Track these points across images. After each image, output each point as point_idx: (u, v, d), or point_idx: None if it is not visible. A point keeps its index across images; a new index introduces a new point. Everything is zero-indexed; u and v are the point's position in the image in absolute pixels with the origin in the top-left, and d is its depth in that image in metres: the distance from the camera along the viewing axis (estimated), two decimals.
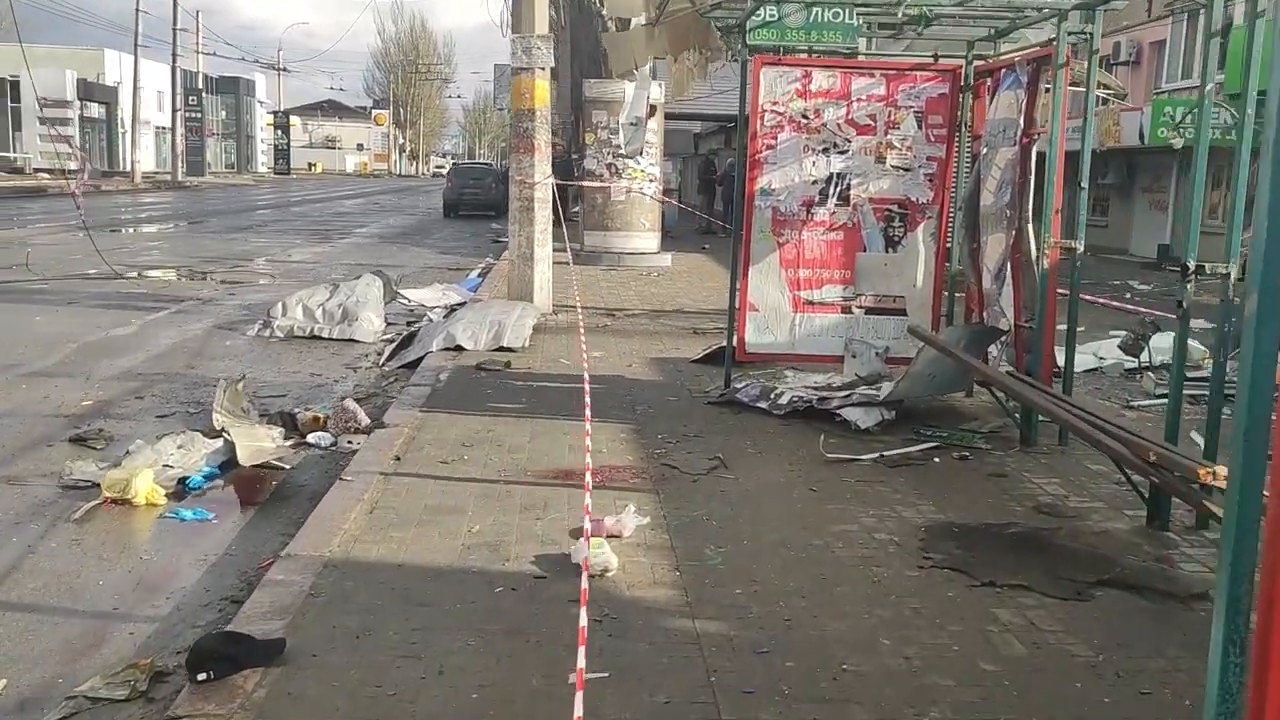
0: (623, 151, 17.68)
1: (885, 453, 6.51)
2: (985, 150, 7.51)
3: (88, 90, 56.18)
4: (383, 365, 9.76)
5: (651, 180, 18.21)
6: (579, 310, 10.80)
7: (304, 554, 4.65)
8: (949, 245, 8.29)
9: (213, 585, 4.76)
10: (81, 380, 8.71)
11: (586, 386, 6.53)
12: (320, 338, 11.00)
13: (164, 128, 58.51)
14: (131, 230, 25.25)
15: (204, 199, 42.26)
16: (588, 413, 6.01)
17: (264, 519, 5.68)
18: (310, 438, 7.11)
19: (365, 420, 7.15)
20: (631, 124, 17.37)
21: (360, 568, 4.53)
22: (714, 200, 26.75)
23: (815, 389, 7.82)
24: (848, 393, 7.43)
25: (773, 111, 7.99)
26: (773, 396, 7.64)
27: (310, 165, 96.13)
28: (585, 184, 18.25)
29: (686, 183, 32.24)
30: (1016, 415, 7.05)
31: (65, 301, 12.95)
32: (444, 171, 39.97)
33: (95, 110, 57.98)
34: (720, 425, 7.21)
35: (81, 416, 7.57)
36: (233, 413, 7.29)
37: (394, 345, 10.36)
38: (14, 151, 52.18)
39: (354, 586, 4.32)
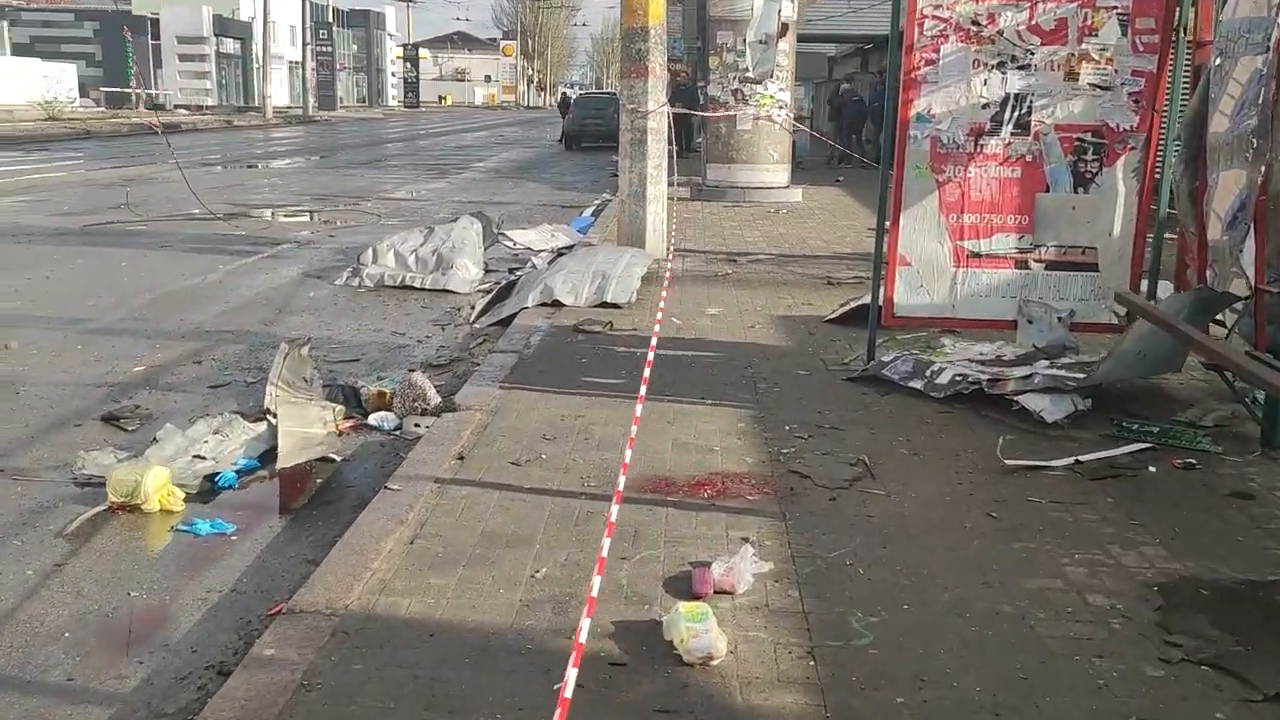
0: (750, 75, 16.07)
1: (1081, 458, 5.03)
2: (1217, 61, 5.80)
3: (223, 26, 56.79)
4: (473, 323, 8.63)
5: (782, 107, 16.56)
6: (681, 256, 9.45)
7: (313, 608, 3.52)
8: (1158, 183, 6.62)
9: (202, 643, 3.67)
10: (143, 339, 7.83)
11: (650, 359, 5.22)
12: (412, 288, 9.96)
13: (296, 63, 58.86)
14: (252, 166, 24.83)
15: (332, 133, 42.06)
16: (642, 390, 4.74)
17: (295, 533, 4.60)
18: (373, 418, 6.02)
19: (435, 399, 6.00)
20: (760, 43, 15.72)
21: (380, 635, 3.37)
22: (841, 131, 24.77)
23: (982, 364, 6.34)
24: (1027, 371, 5.92)
25: (934, 18, 6.42)
26: (929, 374, 6.20)
27: (440, 98, 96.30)
28: (708, 114, 16.72)
29: (818, 110, 30.20)
30: (1254, 407, 5.46)
31: (158, 245, 12.24)
32: (566, 101, 38.60)
33: (230, 46, 58.66)
34: (863, 412, 5.82)
35: (127, 386, 6.65)
36: (292, 384, 6.25)
37: (489, 298, 9.22)
38: (156, 88, 53.16)
39: (364, 673, 3.16)
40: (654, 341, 6.15)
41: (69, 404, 6.29)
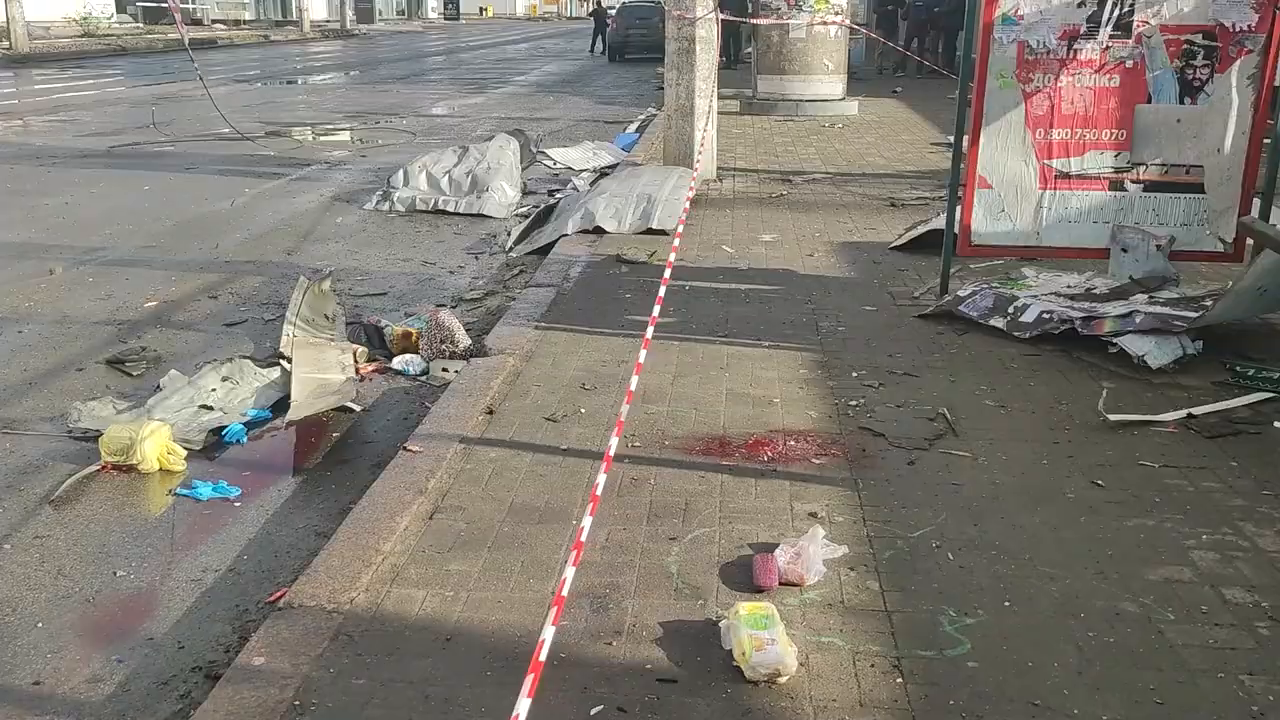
0: None
1: (1194, 410, 4.40)
2: None
3: None
4: (509, 251, 8.05)
5: (838, 13, 15.57)
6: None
7: (314, 602, 3.04)
8: (1277, 93, 5.84)
9: (192, 636, 3.21)
10: (159, 271, 7.36)
11: (661, 292, 4.63)
12: (445, 212, 9.38)
13: None
14: (288, 83, 24.18)
15: (369, 47, 41.14)
16: (648, 334, 4.15)
17: (306, 497, 4.12)
18: (397, 362, 5.51)
19: (464, 341, 5.46)
20: None
21: (388, 639, 2.88)
22: (894, 36, 23.48)
23: (1071, 299, 5.68)
24: (1125, 309, 5.25)
25: None
26: (1012, 311, 5.55)
27: (481, 10, 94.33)
28: (758, 21, 15.78)
29: (872, 17, 28.83)
30: None
31: (183, 167, 11.74)
32: (600, 12, 37.28)
33: None
34: (939, 355, 5.20)
35: (137, 324, 6.19)
36: (312, 322, 5.76)
37: (525, 224, 8.63)
38: (192, 2, 52.35)
39: (367, 690, 2.67)
40: (696, 273, 5.54)
41: (73, 344, 5.85)
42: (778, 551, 3.19)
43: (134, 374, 5.38)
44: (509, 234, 8.40)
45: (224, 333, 6.07)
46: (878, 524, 3.49)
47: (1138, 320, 5.07)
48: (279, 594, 3.26)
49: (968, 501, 3.66)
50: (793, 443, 4.13)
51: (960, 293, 5.88)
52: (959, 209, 6.09)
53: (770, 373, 4.92)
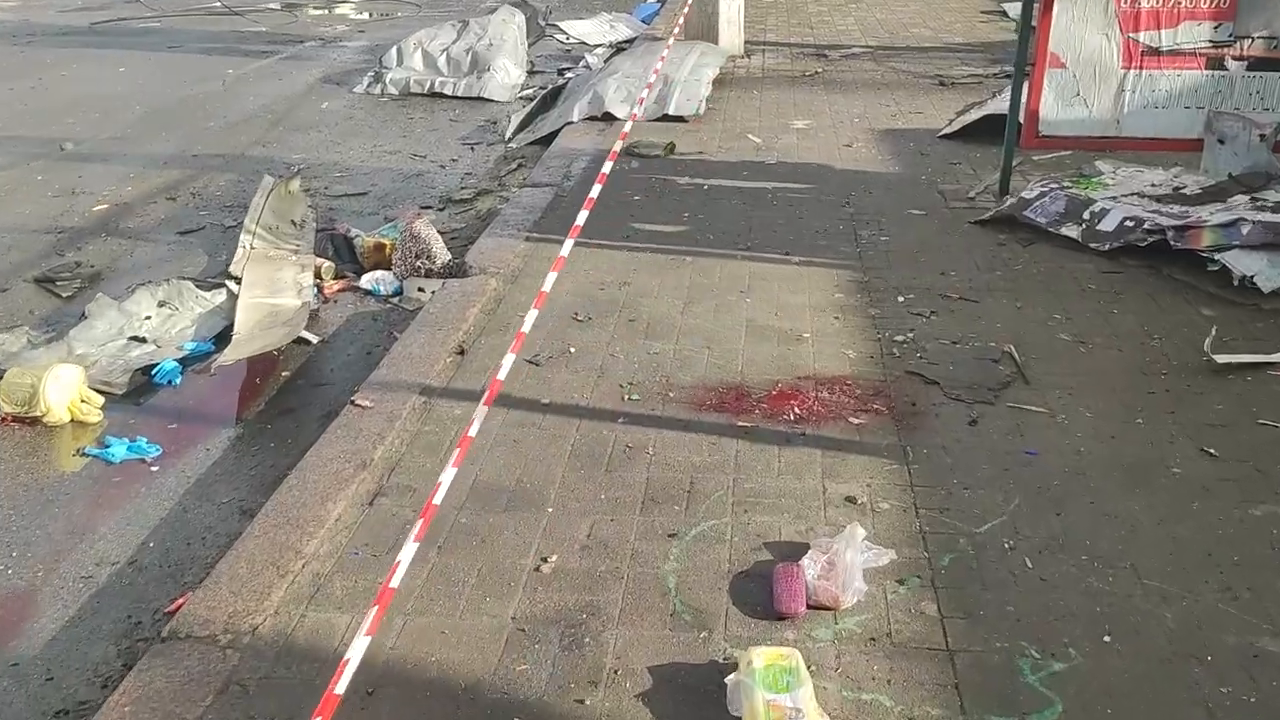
0: None
1: None
2: None
3: None
4: (508, 141, 7.19)
5: None
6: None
7: (205, 631, 2.36)
8: None
9: (65, 663, 2.56)
10: (118, 166, 6.58)
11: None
12: (443, 95, 8.49)
13: None
14: None
15: None
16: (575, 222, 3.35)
17: (237, 460, 3.42)
18: (366, 280, 4.76)
19: (442, 257, 4.69)
20: None
21: (291, 695, 2.20)
22: None
23: (1157, 200, 4.80)
24: (1228, 216, 4.38)
25: None
26: (1088, 216, 4.69)
27: None
28: None
29: None
30: None
31: (166, 45, 10.84)
32: None
33: None
34: (1001, 273, 4.38)
35: (80, 232, 5.46)
36: (275, 230, 5.01)
37: (528, 109, 7.73)
38: None
39: None
40: (720, 168, 4.71)
41: (5, 256, 5.13)
42: (806, 560, 2.47)
43: (64, 295, 4.67)
44: (509, 120, 7.52)
45: (177, 243, 5.33)
46: (933, 513, 2.75)
47: (1244, 231, 4.21)
48: (179, 601, 2.60)
49: (1046, 479, 2.90)
50: (826, 394, 3.37)
51: (1025, 194, 5.01)
52: (1025, 92, 5.17)
53: (799, 297, 4.13)
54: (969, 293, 4.16)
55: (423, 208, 5.84)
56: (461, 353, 3.68)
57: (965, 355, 3.64)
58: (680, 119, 6.93)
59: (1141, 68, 5.08)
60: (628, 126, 5.68)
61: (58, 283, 4.75)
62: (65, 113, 7.91)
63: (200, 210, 5.80)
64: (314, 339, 4.22)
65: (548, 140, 6.86)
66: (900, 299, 4.11)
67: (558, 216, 5.12)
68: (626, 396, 3.37)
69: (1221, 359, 3.51)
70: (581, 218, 3.86)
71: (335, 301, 4.65)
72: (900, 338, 3.77)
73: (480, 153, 7.03)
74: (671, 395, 3.38)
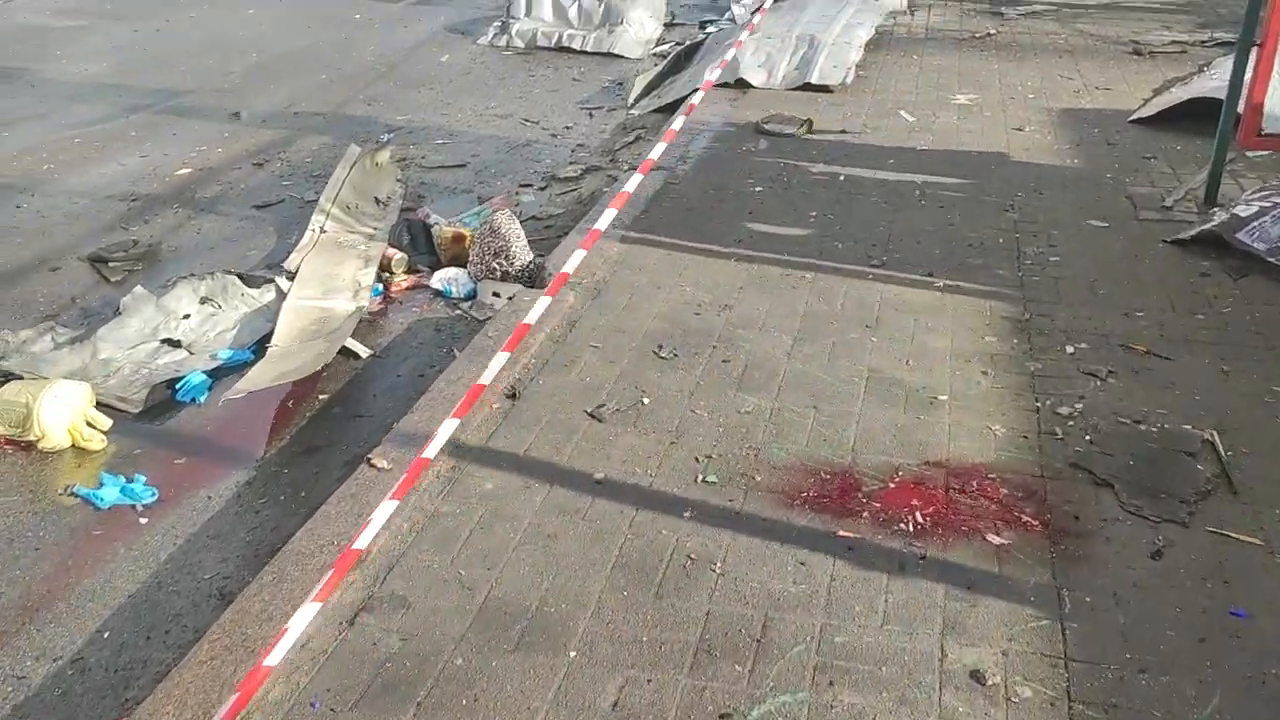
0: None
1: None
2: None
3: None
4: (630, 107, 6.48)
5: None
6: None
7: None
8: None
9: None
10: (213, 124, 6.18)
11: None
12: (570, 49, 7.81)
13: None
14: None
15: None
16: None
17: (238, 515, 2.88)
18: (437, 279, 4.18)
19: (521, 258, 4.05)
20: None
21: None
22: None
23: None
24: None
25: None
26: None
27: None
28: None
29: None
30: None
31: None
32: None
33: None
34: (1204, 316, 3.47)
35: (153, 202, 5.05)
36: (354, 209, 4.52)
37: (659, 67, 6.99)
38: None
39: None
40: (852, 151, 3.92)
41: (70, 226, 4.76)
42: None
43: (112, 279, 4.24)
44: (634, 83, 6.79)
45: (249, 219, 4.86)
46: (1095, 711, 1.98)
47: None
48: None
49: (1261, 661, 2.09)
50: (960, 492, 2.60)
51: (1238, 208, 4.03)
52: (1246, 76, 4.16)
53: (940, 339, 3.33)
54: (1160, 345, 3.28)
55: (521, 185, 5.24)
56: (513, 396, 3.04)
57: (1151, 442, 2.79)
58: (824, 88, 6.08)
59: None
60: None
61: (110, 263, 4.33)
62: (181, 60, 7.58)
63: (284, 180, 5.32)
64: (364, 353, 3.66)
65: (672, 108, 6.13)
66: (1069, 349, 3.27)
67: (664, 210, 4.41)
68: (701, 477, 2.67)
69: None
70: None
71: (401, 302, 4.09)
72: (1065, 409, 2.94)
73: (598, 120, 6.35)
74: (758, 479, 2.66)
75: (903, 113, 5.65)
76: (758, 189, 4.65)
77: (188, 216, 4.88)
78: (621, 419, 2.93)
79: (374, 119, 6.25)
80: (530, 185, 5.22)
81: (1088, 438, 2.81)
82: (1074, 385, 3.07)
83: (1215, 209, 4.17)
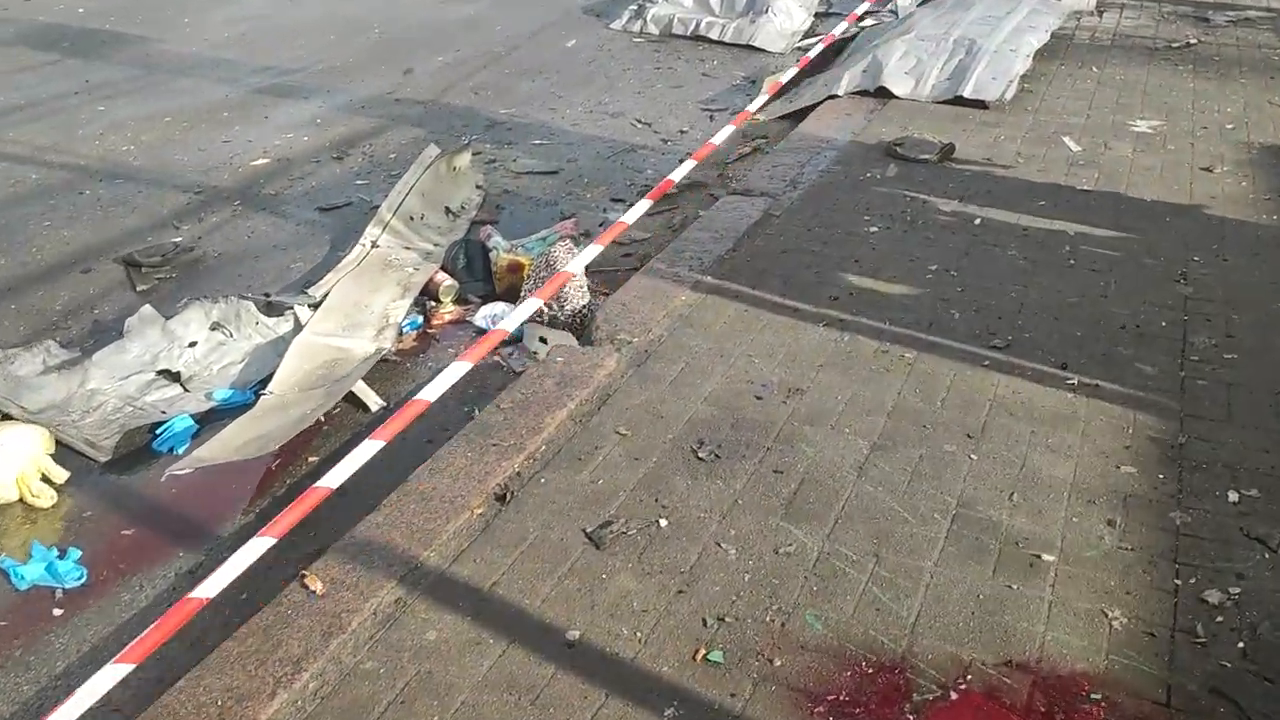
0: None
1: None
2: None
3: None
4: (756, 112, 5.80)
5: None
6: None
7: None
8: None
9: None
10: (308, 107, 5.84)
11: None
12: (707, 39, 7.16)
13: None
14: None
15: None
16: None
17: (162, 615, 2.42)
18: (481, 316, 3.65)
19: (574, 301, 3.48)
20: None
21: None
22: None
23: None
24: None
25: None
26: None
27: None
28: None
29: None
30: None
31: None
32: None
33: None
34: None
35: (216, 195, 4.72)
36: (415, 223, 4.15)
37: (791, 73, 6.27)
38: None
39: None
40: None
41: (124, 219, 4.46)
42: None
43: (139, 287, 3.88)
44: (764, 83, 6.09)
45: (308, 224, 4.45)
46: None
47: None
48: None
49: None
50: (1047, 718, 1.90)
51: None
52: None
53: (1061, 465, 2.60)
54: None
55: (613, 200, 4.67)
56: (503, 498, 2.48)
57: None
58: (979, 103, 5.27)
59: None
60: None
61: (143, 268, 3.97)
62: (302, 34, 7.30)
63: (358, 179, 4.90)
64: (375, 405, 3.16)
65: (801, 115, 5.43)
66: (1232, 496, 2.49)
67: (754, 250, 3.77)
68: (704, 652, 2.05)
69: None
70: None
71: (438, 339, 3.58)
72: (1215, 595, 2.19)
73: (720, 123, 5.69)
74: (777, 663, 2.03)
75: (1066, 140, 4.80)
76: (873, 230, 3.94)
77: (245, 216, 4.50)
78: (626, 547, 2.33)
79: (476, 111, 5.78)
80: (622, 200, 4.64)
81: (1241, 645, 2.05)
82: (1233, 554, 2.30)
83: None
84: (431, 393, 2.83)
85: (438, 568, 2.26)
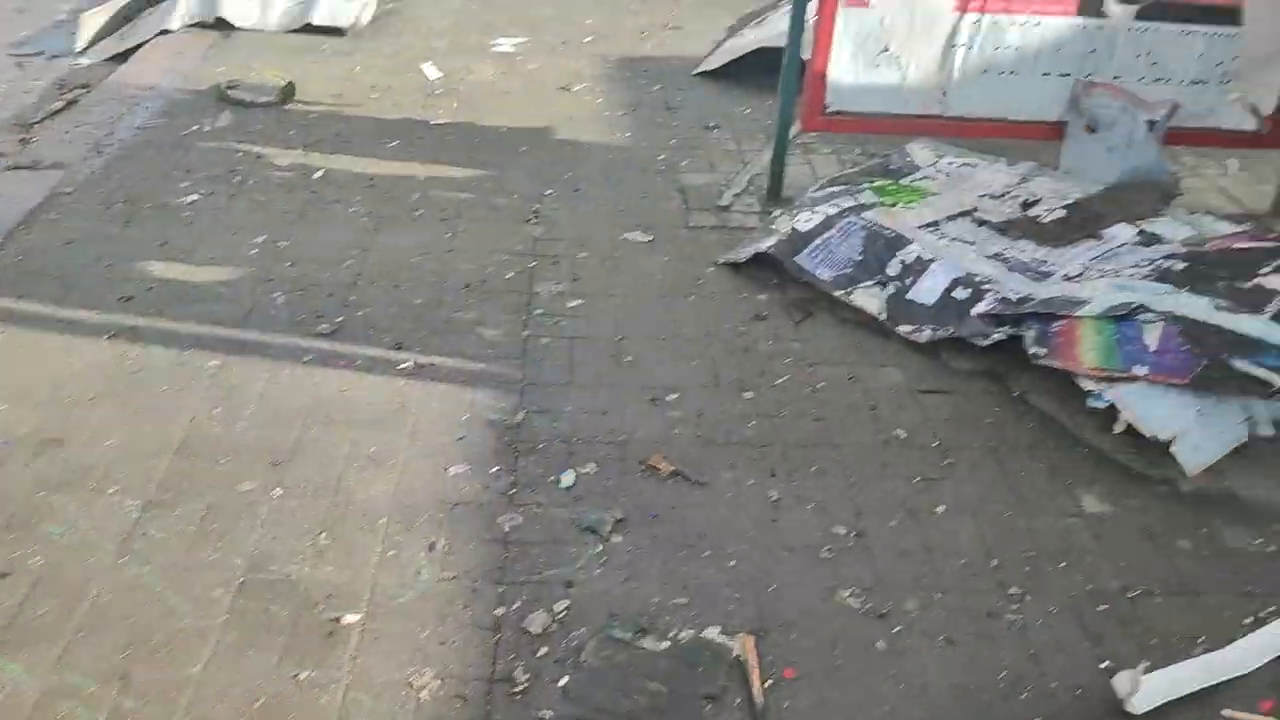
0: None
1: None
2: None
3: None
4: (79, 51, 4.81)
5: None
6: None
7: None
8: None
9: None
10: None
11: None
12: None
13: None
14: None
15: None
16: None
17: None
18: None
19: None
20: None
21: None
22: None
23: (997, 228, 3.06)
24: (1119, 292, 2.62)
25: None
26: (898, 270, 2.88)
27: None
28: None
29: None
30: None
31: None
32: None
33: None
34: (754, 392, 2.55)
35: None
36: None
37: None
38: None
39: None
40: None
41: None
42: None
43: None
44: (83, 19, 5.07)
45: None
46: None
47: (1148, 341, 2.47)
48: None
49: None
50: None
51: (800, 218, 3.13)
52: (813, 55, 3.28)
53: (380, 481, 2.20)
54: (693, 455, 2.31)
55: None
56: None
57: (657, 681, 1.81)
58: (335, 30, 4.72)
59: (984, 9, 3.26)
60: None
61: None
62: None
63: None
64: None
65: (127, 56, 4.56)
66: (568, 480, 2.24)
67: (28, 247, 2.97)
68: None
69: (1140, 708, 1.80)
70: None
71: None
72: (540, 619, 1.91)
73: (32, 71, 4.66)
74: None
75: (425, 67, 4.42)
76: (192, 198, 3.30)
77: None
78: None
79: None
80: None
81: (563, 682, 1.78)
82: (564, 558, 2.04)
83: (778, 211, 3.29)
84: None
85: None
